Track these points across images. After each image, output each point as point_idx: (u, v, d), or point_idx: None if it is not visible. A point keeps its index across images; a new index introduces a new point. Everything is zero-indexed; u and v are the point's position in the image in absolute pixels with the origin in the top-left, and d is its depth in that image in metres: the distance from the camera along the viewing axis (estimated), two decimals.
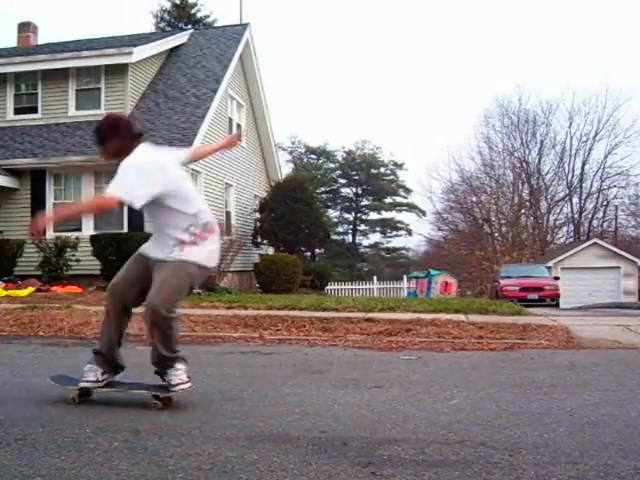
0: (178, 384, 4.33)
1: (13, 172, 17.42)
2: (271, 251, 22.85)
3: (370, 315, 9.84)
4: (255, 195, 23.68)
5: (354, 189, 61.77)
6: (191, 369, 6.07)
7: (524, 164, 51.02)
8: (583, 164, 50.42)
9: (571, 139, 50.40)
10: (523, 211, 51.13)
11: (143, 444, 3.41)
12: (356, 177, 60.55)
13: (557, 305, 23.29)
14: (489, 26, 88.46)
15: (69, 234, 16.48)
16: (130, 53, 18.25)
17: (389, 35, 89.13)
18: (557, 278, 26.52)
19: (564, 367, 6.08)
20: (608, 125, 49.40)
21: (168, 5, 41.21)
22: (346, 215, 62.13)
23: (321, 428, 3.75)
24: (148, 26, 41.49)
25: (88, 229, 17.01)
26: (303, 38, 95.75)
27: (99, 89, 18.81)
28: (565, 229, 53.16)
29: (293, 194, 21.53)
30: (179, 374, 4.37)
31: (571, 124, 50.40)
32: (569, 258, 34.41)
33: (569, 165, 50.81)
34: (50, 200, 17.50)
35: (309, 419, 3.98)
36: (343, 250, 56.93)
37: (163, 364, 4.41)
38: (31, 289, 14.30)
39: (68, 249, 15.91)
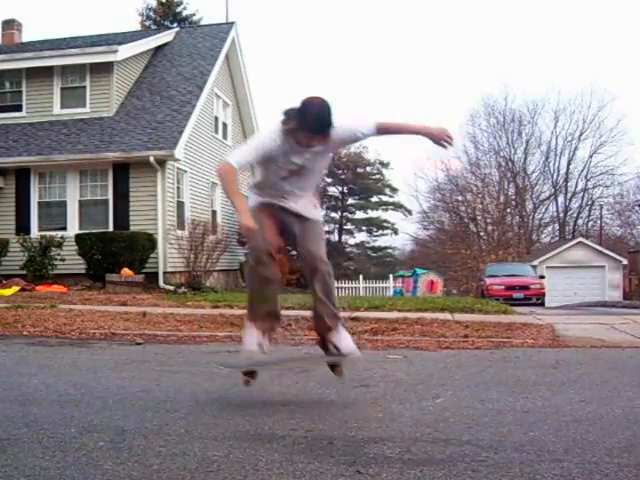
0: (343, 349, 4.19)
1: None
2: None
3: (356, 314, 9.84)
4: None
5: (340, 188, 61.74)
6: (176, 368, 6.07)
7: (510, 163, 51.32)
8: (568, 163, 50.82)
9: (556, 139, 50.79)
10: (509, 210, 51.43)
11: (128, 444, 3.39)
12: (342, 176, 60.51)
13: (542, 304, 23.44)
14: (475, 26, 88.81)
15: (54, 233, 16.40)
16: (115, 51, 18.18)
17: (375, 35, 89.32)
18: (542, 277, 26.67)
19: (549, 365, 6.11)
20: (593, 125, 49.87)
21: (154, 3, 41.11)
22: (332, 214, 62.08)
23: (307, 427, 3.75)
24: (134, 24, 41.33)
25: (73, 228, 16.94)
26: (289, 37, 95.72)
27: (84, 87, 18.72)
28: (550, 228, 53.57)
29: None
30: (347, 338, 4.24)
31: (556, 124, 50.76)
32: (554, 257, 34.63)
33: (554, 164, 51.20)
34: (35, 199, 17.40)
35: (295, 418, 3.98)
36: (329, 249, 55.54)
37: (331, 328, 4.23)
38: (16, 288, 14.22)
39: (53, 248, 15.84)
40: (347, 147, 60.50)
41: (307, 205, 4.46)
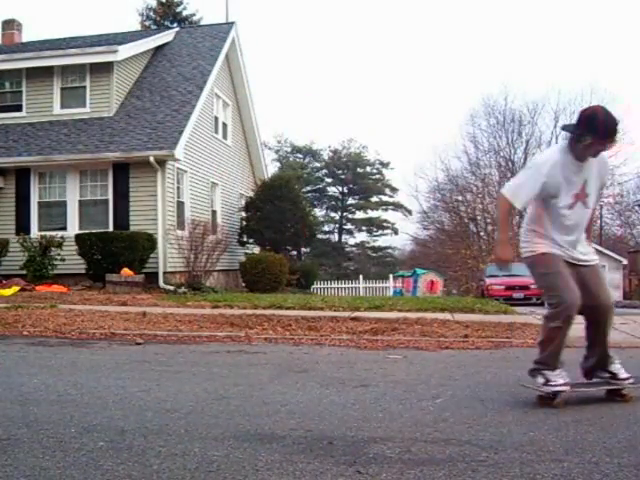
0: (627, 378, 4.56)
1: None
2: (257, 250, 22.81)
3: (356, 314, 9.84)
4: (241, 194, 23.63)
5: (340, 188, 61.75)
6: (176, 369, 6.07)
7: (510, 163, 51.22)
8: None
9: (557, 139, 50.59)
10: None
11: (128, 444, 3.40)
12: (342, 176, 60.48)
13: (542, 304, 23.31)
14: (475, 26, 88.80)
15: (54, 233, 16.39)
16: (116, 51, 18.15)
17: (376, 33, 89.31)
18: None
19: None
20: None
21: (154, 3, 41.06)
22: (332, 214, 62.09)
23: (307, 427, 3.76)
24: (134, 24, 41.29)
25: (73, 228, 16.92)
26: (289, 37, 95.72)
27: (84, 87, 18.68)
28: None
29: (279, 193, 21.51)
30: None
31: (556, 124, 50.68)
32: None
33: None
34: (35, 199, 17.39)
35: (295, 418, 3.98)
36: (329, 249, 56.93)
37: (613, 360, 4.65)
38: (15, 288, 14.20)
39: (53, 248, 15.82)
40: (346, 147, 60.50)
41: (588, 249, 4.70)
